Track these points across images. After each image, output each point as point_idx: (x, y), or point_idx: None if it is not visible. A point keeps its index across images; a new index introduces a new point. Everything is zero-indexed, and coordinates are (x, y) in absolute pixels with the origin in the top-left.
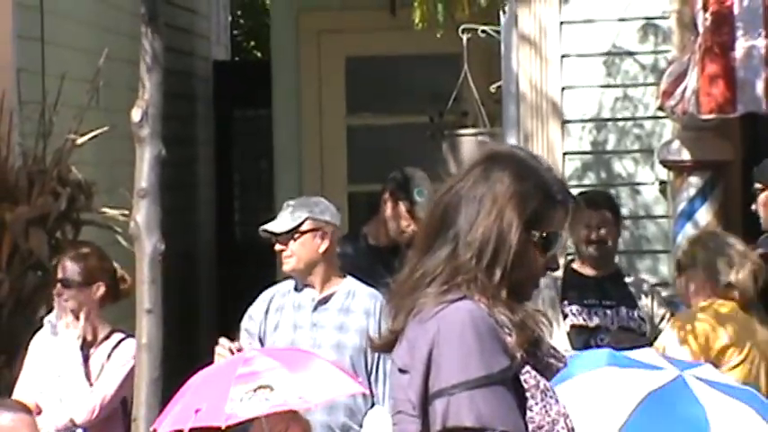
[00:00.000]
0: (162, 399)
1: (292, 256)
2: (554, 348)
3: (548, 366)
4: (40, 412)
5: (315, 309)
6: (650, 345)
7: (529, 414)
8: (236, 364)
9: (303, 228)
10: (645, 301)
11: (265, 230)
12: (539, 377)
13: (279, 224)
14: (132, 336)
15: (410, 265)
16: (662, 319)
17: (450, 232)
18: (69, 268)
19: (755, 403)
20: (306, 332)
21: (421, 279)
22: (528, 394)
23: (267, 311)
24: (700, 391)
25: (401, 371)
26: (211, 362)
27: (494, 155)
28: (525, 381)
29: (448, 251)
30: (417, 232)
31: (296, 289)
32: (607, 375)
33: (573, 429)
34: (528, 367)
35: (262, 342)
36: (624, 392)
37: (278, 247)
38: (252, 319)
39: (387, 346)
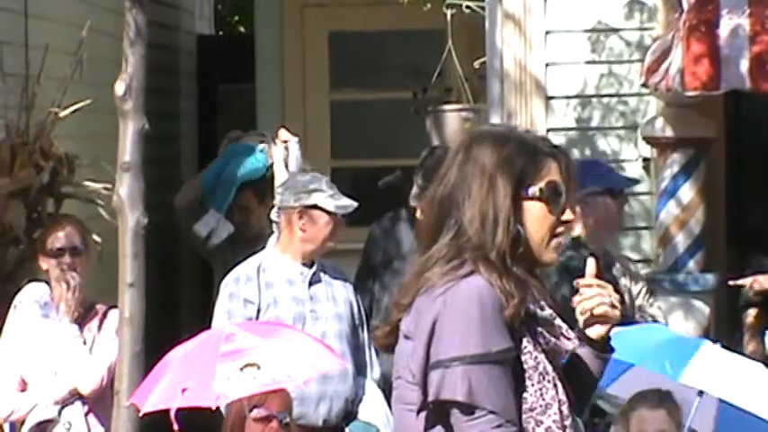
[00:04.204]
0: (144, 372)
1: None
2: (567, 330)
3: (555, 348)
4: (25, 388)
5: (310, 283)
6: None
7: (523, 395)
8: (217, 341)
9: None
10: (624, 281)
11: (344, 207)
12: (540, 358)
13: (351, 204)
14: (115, 306)
15: (417, 257)
16: (638, 294)
17: (451, 220)
18: (74, 236)
19: None
20: (307, 305)
21: (427, 262)
22: (526, 375)
23: (260, 289)
24: None
25: (406, 337)
26: (194, 335)
27: (470, 137)
28: (525, 361)
29: (451, 235)
30: (419, 232)
31: (261, 268)
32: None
33: (567, 416)
34: (530, 347)
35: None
36: None
37: (331, 225)
38: (248, 300)
39: (391, 326)
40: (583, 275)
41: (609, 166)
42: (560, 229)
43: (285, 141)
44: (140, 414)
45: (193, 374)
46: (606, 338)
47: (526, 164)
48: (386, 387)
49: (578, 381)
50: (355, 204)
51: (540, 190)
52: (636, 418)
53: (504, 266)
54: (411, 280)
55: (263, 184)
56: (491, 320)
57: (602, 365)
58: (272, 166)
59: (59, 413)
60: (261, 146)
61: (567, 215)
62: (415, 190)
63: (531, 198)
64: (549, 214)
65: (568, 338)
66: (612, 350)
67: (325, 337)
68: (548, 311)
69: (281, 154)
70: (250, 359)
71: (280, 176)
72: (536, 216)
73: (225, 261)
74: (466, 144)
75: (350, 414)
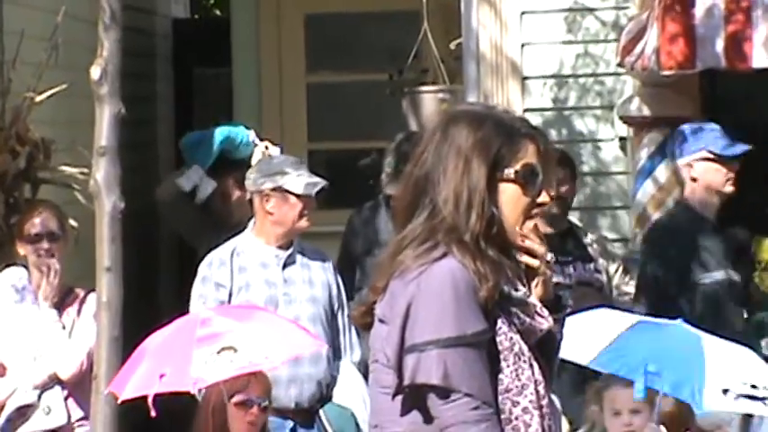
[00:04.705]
0: (122, 357)
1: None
2: (541, 309)
3: (530, 328)
4: (3, 372)
5: (285, 266)
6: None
7: (499, 376)
8: (193, 326)
9: None
10: (602, 260)
11: (310, 186)
12: (515, 339)
13: (319, 182)
14: (93, 291)
15: (393, 237)
16: (615, 272)
17: (426, 199)
18: (51, 221)
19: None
20: (280, 288)
21: (401, 242)
22: (501, 356)
23: (232, 273)
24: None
25: (381, 321)
26: (172, 320)
27: (448, 117)
28: (500, 342)
29: (426, 214)
30: (394, 212)
31: (235, 252)
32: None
33: (543, 396)
34: (505, 328)
35: (230, 300)
36: (615, 321)
37: (300, 205)
38: (220, 284)
39: (366, 306)
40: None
41: (718, 131)
42: (535, 211)
43: (267, 147)
44: (119, 401)
45: (170, 360)
46: (552, 297)
47: (502, 145)
48: (366, 370)
49: (544, 351)
50: (323, 182)
51: (516, 172)
52: (609, 397)
53: (477, 248)
54: (385, 262)
55: (243, 170)
56: (465, 303)
57: (559, 326)
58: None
59: (39, 398)
60: (251, 132)
61: (543, 197)
62: (385, 175)
63: (507, 180)
64: (523, 196)
65: (543, 317)
66: (565, 308)
67: (299, 321)
68: (522, 291)
69: (261, 153)
70: (226, 342)
71: None
72: (511, 198)
73: (209, 248)
74: (443, 124)
75: (323, 397)
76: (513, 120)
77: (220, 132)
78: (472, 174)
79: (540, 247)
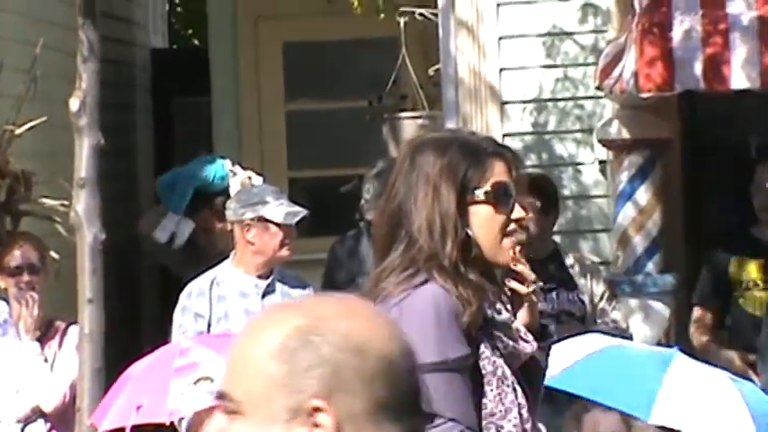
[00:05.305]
0: (105, 388)
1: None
2: (525, 333)
3: (513, 352)
4: None
5: (264, 295)
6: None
7: (483, 401)
8: (172, 356)
9: None
10: (584, 281)
11: (290, 216)
12: (498, 363)
13: (300, 211)
14: (75, 323)
15: (372, 270)
16: (601, 297)
17: (401, 231)
18: (31, 254)
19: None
20: None
21: (381, 274)
22: (485, 381)
23: (211, 303)
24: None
25: None
26: (154, 350)
27: (413, 146)
28: (483, 367)
29: (403, 246)
30: (374, 244)
31: (215, 282)
32: (685, 372)
33: (527, 420)
34: (488, 353)
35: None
36: (583, 345)
37: (281, 235)
38: (199, 314)
39: None
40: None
41: None
42: (512, 227)
43: (250, 178)
44: None
45: (148, 390)
46: (538, 327)
47: (469, 167)
48: None
49: (529, 377)
50: (304, 212)
51: (486, 192)
52: (589, 420)
53: (458, 273)
54: (366, 292)
55: (222, 202)
56: (447, 328)
57: (544, 355)
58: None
59: (22, 431)
60: (226, 161)
61: (518, 213)
62: (365, 202)
63: (478, 202)
64: (497, 215)
65: (527, 341)
66: (550, 336)
67: None
68: (505, 315)
69: (242, 181)
70: (203, 373)
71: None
72: (484, 219)
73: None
74: (410, 153)
75: None
76: (478, 141)
77: (192, 173)
78: (442, 200)
79: (531, 273)
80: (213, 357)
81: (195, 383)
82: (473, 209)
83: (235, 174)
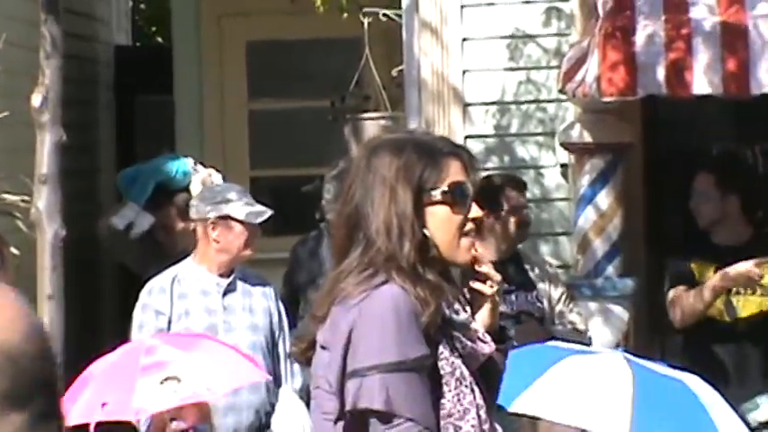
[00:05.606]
0: (65, 386)
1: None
2: (483, 334)
3: (472, 353)
4: None
5: (225, 293)
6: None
7: (441, 401)
8: (138, 354)
9: None
10: (543, 286)
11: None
12: (457, 364)
13: (265, 211)
14: None
15: (330, 272)
16: (558, 300)
17: (359, 234)
18: None
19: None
20: (219, 316)
21: (339, 275)
22: (443, 381)
23: (172, 300)
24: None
25: (322, 347)
26: (115, 347)
27: (369, 148)
28: (442, 367)
29: (361, 248)
30: (332, 247)
31: (176, 279)
32: (578, 364)
33: (485, 421)
34: (446, 353)
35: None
36: (610, 380)
37: (245, 234)
38: (159, 312)
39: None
40: None
41: None
42: (469, 227)
43: (210, 174)
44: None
45: (113, 388)
46: (498, 328)
47: (425, 168)
48: (307, 397)
49: (487, 378)
50: (269, 212)
51: (444, 192)
52: (543, 427)
53: (416, 273)
54: (325, 293)
55: (185, 201)
56: (407, 328)
57: (502, 357)
58: (190, 175)
59: None
60: (188, 159)
61: (475, 212)
62: (326, 202)
63: (435, 202)
64: (454, 215)
65: (485, 342)
66: (509, 338)
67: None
68: (463, 315)
69: (202, 178)
70: (170, 372)
71: (197, 192)
72: (441, 219)
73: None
74: (365, 155)
75: (261, 425)
76: (434, 141)
77: (155, 167)
78: (399, 201)
79: (496, 274)
80: (181, 357)
81: (162, 382)
82: (430, 209)
83: (197, 171)
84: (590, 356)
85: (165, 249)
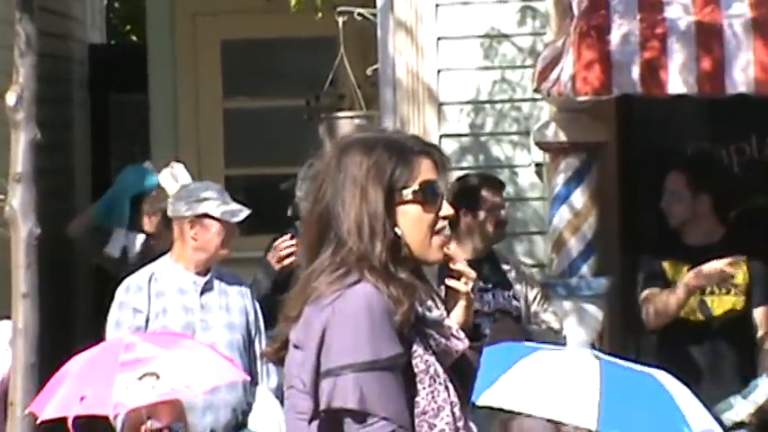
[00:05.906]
0: (39, 384)
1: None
2: (456, 331)
3: (446, 350)
4: None
5: (202, 292)
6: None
7: (415, 399)
8: (117, 350)
9: None
10: (520, 287)
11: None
12: (431, 362)
13: (242, 210)
14: (8, 317)
15: (301, 272)
16: (534, 299)
17: (330, 233)
18: None
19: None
20: (197, 314)
21: (310, 275)
22: (417, 379)
23: (149, 298)
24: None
25: (296, 347)
26: (89, 346)
27: (340, 147)
28: (416, 365)
29: (332, 248)
30: (301, 248)
31: (153, 277)
32: (546, 358)
33: (460, 418)
34: (420, 351)
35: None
36: (578, 372)
37: (223, 233)
38: (137, 309)
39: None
40: None
41: None
42: (441, 225)
43: (172, 166)
44: (38, 422)
45: (92, 383)
46: (472, 325)
47: (396, 167)
48: (282, 396)
49: (461, 375)
50: (247, 211)
51: (414, 192)
52: (516, 426)
53: (388, 272)
54: (297, 293)
55: (157, 203)
56: (380, 327)
57: (477, 355)
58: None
59: None
60: (146, 163)
61: (446, 210)
62: (299, 201)
63: (406, 201)
64: (425, 214)
65: (458, 339)
66: (483, 335)
67: (216, 347)
68: (437, 312)
69: (168, 175)
70: (149, 368)
71: (171, 191)
72: (412, 218)
73: None
74: (336, 155)
75: (238, 424)
76: (405, 139)
77: (123, 187)
78: (370, 201)
79: (471, 271)
80: (160, 354)
81: (140, 378)
82: (401, 209)
83: (158, 172)
84: (558, 351)
85: (152, 255)
